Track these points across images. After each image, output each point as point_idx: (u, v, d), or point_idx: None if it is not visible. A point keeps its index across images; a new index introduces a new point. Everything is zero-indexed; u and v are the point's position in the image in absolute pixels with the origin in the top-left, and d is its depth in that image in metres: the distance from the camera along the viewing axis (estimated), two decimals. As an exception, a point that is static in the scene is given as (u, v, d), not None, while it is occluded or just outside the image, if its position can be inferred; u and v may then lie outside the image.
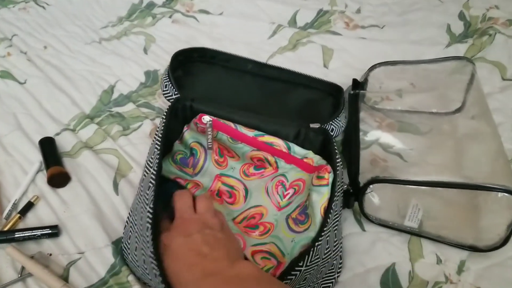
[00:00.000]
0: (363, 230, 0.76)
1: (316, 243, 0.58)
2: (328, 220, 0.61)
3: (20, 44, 1.12)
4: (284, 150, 0.73)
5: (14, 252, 0.69)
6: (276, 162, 0.75)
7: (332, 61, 1.07)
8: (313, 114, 0.91)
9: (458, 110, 0.89)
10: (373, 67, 0.92)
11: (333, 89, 0.94)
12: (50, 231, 0.72)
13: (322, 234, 0.59)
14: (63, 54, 1.09)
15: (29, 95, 0.97)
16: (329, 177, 0.66)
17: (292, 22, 1.19)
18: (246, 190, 0.75)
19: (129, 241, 0.65)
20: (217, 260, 0.54)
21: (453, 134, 0.87)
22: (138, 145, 0.87)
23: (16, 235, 0.71)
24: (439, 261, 0.71)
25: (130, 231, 0.64)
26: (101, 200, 0.79)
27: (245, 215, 0.72)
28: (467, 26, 1.17)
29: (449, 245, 0.72)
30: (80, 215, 0.76)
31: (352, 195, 0.72)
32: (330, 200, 0.64)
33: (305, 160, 0.73)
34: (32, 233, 0.71)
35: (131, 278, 0.67)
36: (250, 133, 0.73)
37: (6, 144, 0.87)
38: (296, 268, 0.57)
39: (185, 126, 0.76)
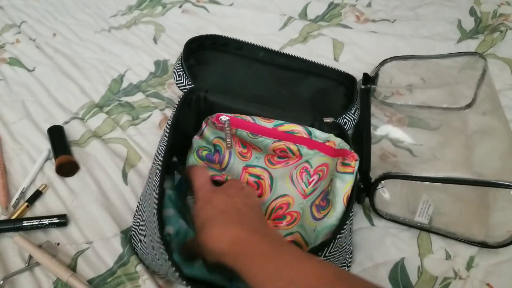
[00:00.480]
0: (372, 225, 0.75)
1: (338, 236, 0.58)
2: (351, 212, 0.61)
3: (29, 31, 1.12)
4: (305, 136, 0.72)
5: (22, 241, 0.69)
6: (299, 150, 0.73)
7: (343, 55, 1.06)
8: (325, 104, 0.91)
9: (469, 105, 0.88)
10: (384, 62, 0.92)
11: (345, 79, 0.93)
12: (58, 221, 0.72)
13: (345, 227, 0.59)
14: (72, 42, 1.08)
15: (38, 82, 0.97)
16: (355, 165, 0.64)
17: (303, 14, 1.18)
18: (272, 178, 0.74)
19: (138, 229, 0.65)
20: (252, 220, 0.56)
21: (464, 130, 0.86)
22: (147, 135, 0.87)
23: (24, 224, 0.71)
24: (448, 256, 0.71)
25: (139, 219, 0.64)
26: (109, 190, 0.78)
27: (272, 206, 0.72)
28: (478, 22, 1.16)
29: (459, 241, 0.72)
30: (89, 204, 0.76)
31: (363, 190, 0.71)
32: (353, 189, 0.63)
33: (327, 143, 0.72)
34: (40, 222, 0.71)
35: (139, 268, 0.67)
36: (269, 124, 0.72)
37: (15, 131, 0.87)
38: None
39: (204, 122, 0.76)
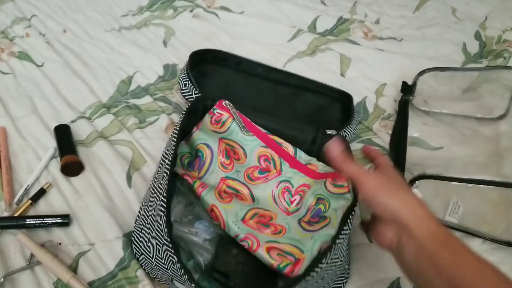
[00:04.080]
0: (370, 242, 0.76)
1: (337, 241, 0.59)
2: (349, 221, 0.61)
3: (39, 25, 1.12)
4: (291, 153, 0.74)
5: (25, 239, 0.69)
6: (280, 165, 0.75)
7: (349, 70, 1.07)
8: (322, 120, 0.93)
9: (502, 116, 0.94)
10: (422, 72, 0.96)
11: (342, 96, 0.95)
12: (61, 220, 0.72)
13: (343, 232, 0.60)
14: (82, 40, 1.09)
15: (46, 78, 0.97)
16: (349, 184, 0.68)
17: (312, 27, 1.19)
18: (251, 194, 0.74)
19: (140, 234, 0.65)
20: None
21: (496, 138, 0.91)
22: (153, 139, 0.87)
23: (27, 222, 0.71)
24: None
25: (143, 224, 0.64)
26: (113, 192, 0.79)
27: (255, 212, 0.71)
28: (483, 47, 1.17)
29: (486, 240, 0.76)
30: (92, 205, 0.76)
31: None
32: (353, 204, 0.65)
33: (308, 166, 0.74)
34: (43, 221, 0.71)
35: (139, 273, 0.68)
36: (262, 129, 0.75)
37: (21, 127, 0.87)
38: (319, 265, 0.57)
39: (195, 127, 0.76)
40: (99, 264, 0.69)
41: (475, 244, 0.76)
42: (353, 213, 0.62)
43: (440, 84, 0.97)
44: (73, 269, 0.68)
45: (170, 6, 1.22)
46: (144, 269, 0.68)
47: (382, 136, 0.93)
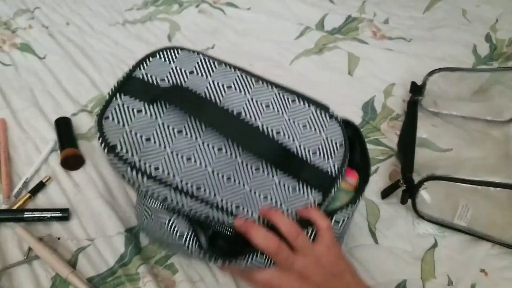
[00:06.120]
0: (376, 243, 0.74)
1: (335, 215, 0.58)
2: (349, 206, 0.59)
3: (42, 17, 1.10)
4: None
5: (23, 232, 0.67)
6: None
7: (357, 70, 1.05)
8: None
9: None
10: (432, 72, 0.94)
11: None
12: (60, 214, 0.71)
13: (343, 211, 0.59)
14: (85, 33, 1.07)
15: (48, 71, 0.96)
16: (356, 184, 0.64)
17: (320, 25, 1.17)
18: None
19: (144, 222, 0.64)
20: None
21: (506, 141, 0.89)
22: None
23: (25, 215, 0.70)
24: (450, 282, 0.70)
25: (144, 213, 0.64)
26: (114, 186, 0.77)
27: None
28: (493, 49, 1.15)
29: (497, 244, 0.74)
30: (92, 200, 0.74)
31: (406, 191, 0.75)
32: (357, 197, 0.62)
33: None
34: (42, 215, 0.70)
35: (141, 269, 0.66)
36: None
37: (22, 119, 0.85)
38: None
39: None
40: (99, 260, 0.68)
41: (484, 248, 0.74)
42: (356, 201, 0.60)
43: (450, 85, 0.95)
44: (72, 264, 0.67)
45: (175, 1, 1.20)
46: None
47: (390, 136, 0.91)
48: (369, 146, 0.86)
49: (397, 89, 1.01)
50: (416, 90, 0.95)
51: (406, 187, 0.75)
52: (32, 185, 0.76)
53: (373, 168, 0.85)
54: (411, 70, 1.04)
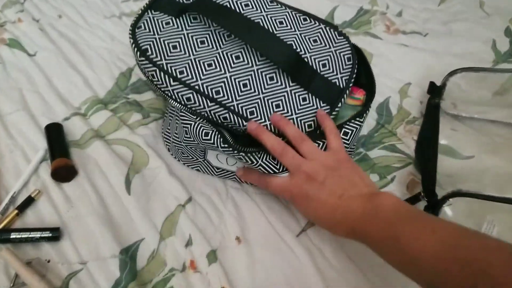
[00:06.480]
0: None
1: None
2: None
3: (32, 10, 1.02)
4: None
5: (10, 256, 0.61)
6: None
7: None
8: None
9: None
10: (453, 72, 0.88)
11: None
12: (50, 235, 0.64)
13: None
14: (79, 27, 0.99)
15: (39, 69, 0.88)
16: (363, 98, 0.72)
17: (329, 18, 1.10)
18: None
19: (169, 128, 0.72)
20: (352, 198, 0.57)
21: None
22: (158, 138, 0.80)
23: (12, 236, 0.64)
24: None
25: (170, 118, 0.71)
26: (110, 200, 0.71)
27: None
28: (513, 44, 1.08)
29: None
30: (86, 216, 0.68)
31: (429, 207, 0.70)
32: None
33: None
34: (30, 236, 0.64)
35: (138, 298, 0.60)
36: None
37: (9, 124, 0.79)
38: None
39: None
40: (92, 286, 0.62)
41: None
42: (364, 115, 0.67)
43: (470, 85, 0.89)
44: (62, 291, 0.60)
45: (175, -9, 1.13)
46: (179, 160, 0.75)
47: (407, 142, 0.85)
48: (384, 153, 0.82)
49: (413, 89, 0.94)
50: (435, 91, 0.88)
51: (428, 202, 0.70)
52: (20, 199, 0.69)
53: (389, 177, 0.79)
54: (428, 68, 0.97)
